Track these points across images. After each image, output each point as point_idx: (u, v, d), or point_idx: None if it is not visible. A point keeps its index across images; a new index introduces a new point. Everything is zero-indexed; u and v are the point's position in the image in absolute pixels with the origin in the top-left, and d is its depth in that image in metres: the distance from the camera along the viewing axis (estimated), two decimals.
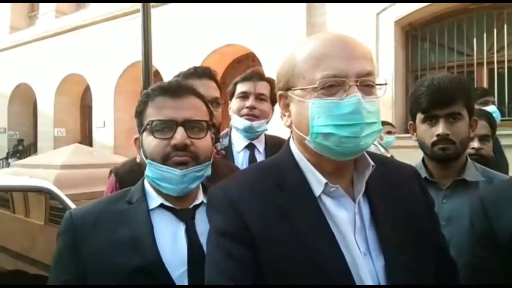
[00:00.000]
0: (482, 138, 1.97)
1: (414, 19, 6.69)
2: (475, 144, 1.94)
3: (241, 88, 1.92)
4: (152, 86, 1.17)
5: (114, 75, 10.26)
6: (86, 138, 12.09)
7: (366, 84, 0.84)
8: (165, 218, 1.07)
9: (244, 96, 1.90)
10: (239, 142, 1.94)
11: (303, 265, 0.81)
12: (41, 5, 12.69)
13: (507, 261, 0.95)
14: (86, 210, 1.09)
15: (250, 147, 1.93)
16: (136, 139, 1.15)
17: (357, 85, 0.82)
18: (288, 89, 0.90)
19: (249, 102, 1.87)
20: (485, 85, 6.31)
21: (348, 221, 0.87)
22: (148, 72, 3.19)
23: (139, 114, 1.13)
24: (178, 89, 1.10)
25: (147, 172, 1.06)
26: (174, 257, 1.00)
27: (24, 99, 13.41)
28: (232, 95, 1.98)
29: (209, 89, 1.61)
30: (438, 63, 6.66)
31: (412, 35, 6.90)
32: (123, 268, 0.96)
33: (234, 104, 1.94)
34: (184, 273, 0.99)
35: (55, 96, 11.89)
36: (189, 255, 1.01)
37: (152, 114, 1.08)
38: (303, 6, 7.21)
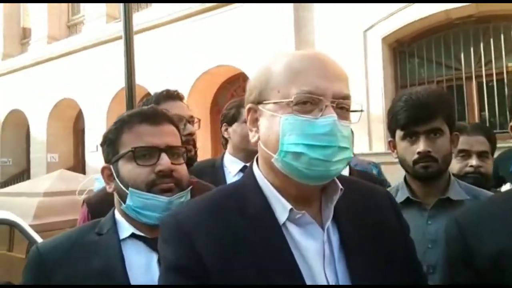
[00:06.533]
0: (481, 155, 1.81)
1: (401, 36, 6.72)
2: (473, 161, 1.78)
3: None
4: (127, 113, 1.13)
5: (106, 98, 10.23)
6: (79, 163, 11.96)
7: (341, 107, 0.79)
8: (137, 248, 1.04)
9: None
10: (232, 165, 1.89)
11: None
12: (33, 31, 12.75)
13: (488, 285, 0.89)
14: (53, 244, 1.06)
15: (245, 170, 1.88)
16: (104, 169, 1.10)
17: (333, 106, 0.77)
18: (260, 102, 0.84)
19: None
20: (475, 98, 6.33)
21: (316, 251, 0.80)
22: (132, 96, 3.16)
23: (112, 141, 1.09)
24: (156, 116, 1.09)
25: (128, 201, 1.02)
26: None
27: (17, 125, 13.33)
28: (232, 118, 1.93)
29: (184, 109, 1.69)
30: (427, 78, 6.65)
31: (399, 51, 6.93)
32: None
33: (242, 128, 1.87)
34: None
35: (48, 121, 11.82)
36: None
37: (131, 141, 1.05)
38: (291, 24, 7.26)
